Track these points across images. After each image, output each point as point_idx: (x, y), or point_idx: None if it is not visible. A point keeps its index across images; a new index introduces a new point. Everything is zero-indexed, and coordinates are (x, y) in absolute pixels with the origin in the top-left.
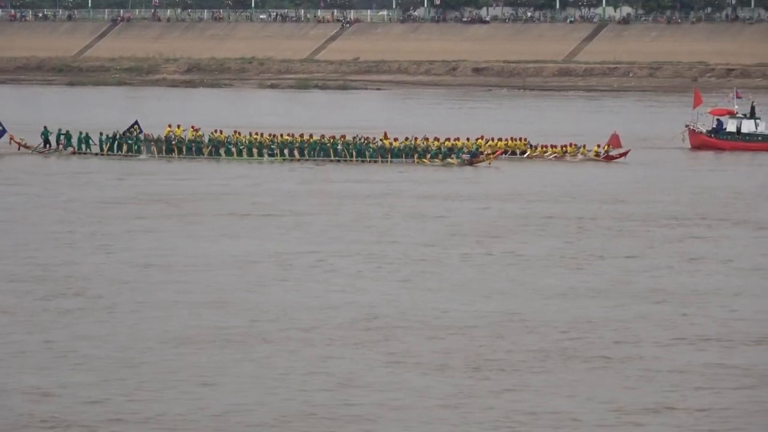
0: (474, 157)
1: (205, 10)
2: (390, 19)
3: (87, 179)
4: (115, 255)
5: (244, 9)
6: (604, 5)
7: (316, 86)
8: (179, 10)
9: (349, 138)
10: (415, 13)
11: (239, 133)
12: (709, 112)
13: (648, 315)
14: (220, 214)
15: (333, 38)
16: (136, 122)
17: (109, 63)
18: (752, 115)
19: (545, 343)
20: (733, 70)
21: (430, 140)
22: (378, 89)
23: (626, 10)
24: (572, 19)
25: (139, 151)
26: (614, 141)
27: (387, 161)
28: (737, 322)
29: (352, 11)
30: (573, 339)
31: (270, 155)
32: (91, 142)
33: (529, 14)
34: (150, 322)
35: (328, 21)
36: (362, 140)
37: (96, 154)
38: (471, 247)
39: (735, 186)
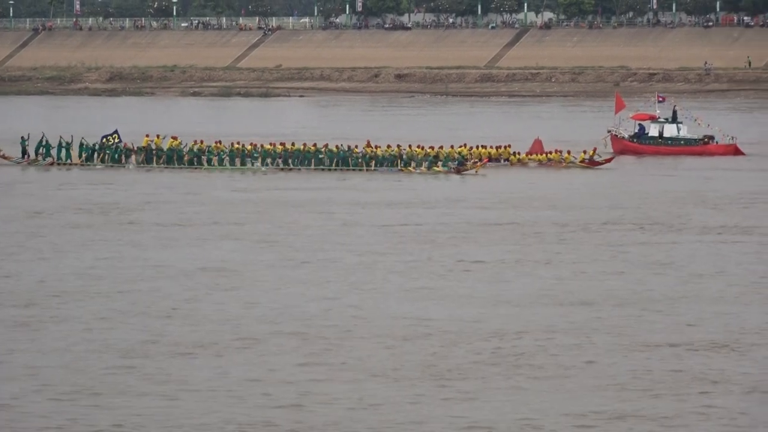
0: (461, 165)
1: (127, 19)
2: (312, 26)
3: (26, 189)
4: (45, 265)
5: (166, 17)
6: (525, 11)
7: (239, 94)
8: (101, 19)
9: (332, 146)
10: (337, 20)
11: (220, 143)
12: (631, 117)
13: (601, 321)
14: (160, 223)
15: (255, 46)
16: (116, 131)
17: (31, 72)
18: (674, 119)
19: (500, 350)
20: (655, 74)
21: (413, 148)
22: (301, 96)
23: (548, 15)
24: (494, 24)
25: (119, 161)
26: (537, 146)
27: (371, 169)
28: (692, 328)
29: (273, 19)
30: (526, 345)
31: (252, 164)
32: (71, 152)
33: (450, 20)
34: (96, 333)
35: (250, 28)
36: (346, 149)
37: (76, 164)
38: (420, 254)
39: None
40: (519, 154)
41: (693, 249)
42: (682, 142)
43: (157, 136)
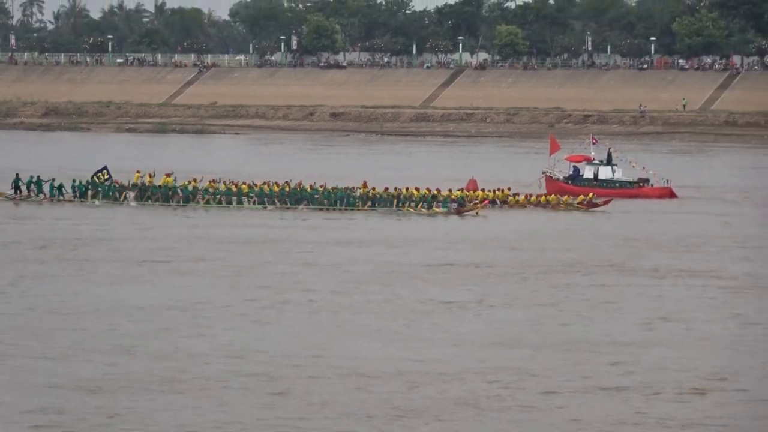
0: (461, 206)
1: (62, 54)
2: (247, 63)
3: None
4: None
5: (101, 53)
6: (460, 51)
7: (174, 130)
8: (36, 54)
9: (328, 187)
10: (272, 58)
11: (214, 182)
12: (566, 159)
13: (560, 363)
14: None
15: (190, 83)
16: (105, 168)
17: None
18: (609, 161)
19: (464, 391)
20: (590, 116)
21: (410, 190)
22: (236, 134)
23: (483, 56)
24: (429, 64)
25: (113, 198)
26: (472, 186)
27: (370, 209)
28: (661, 372)
29: (209, 56)
30: (493, 387)
31: (249, 203)
32: (63, 189)
33: (386, 60)
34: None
35: (185, 65)
36: (344, 189)
37: (69, 200)
38: (380, 293)
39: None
40: (518, 195)
41: (656, 291)
42: (617, 184)
43: (149, 175)
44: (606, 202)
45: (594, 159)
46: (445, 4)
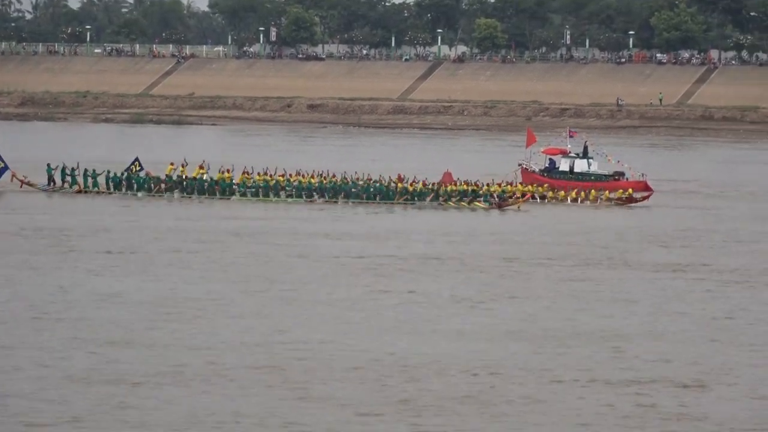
0: (502, 200)
1: (40, 44)
2: (225, 54)
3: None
4: None
5: (79, 43)
6: (439, 44)
7: (151, 121)
8: (14, 43)
9: (368, 180)
10: (251, 50)
11: (248, 173)
12: (542, 151)
13: (553, 356)
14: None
15: (168, 73)
16: (137, 159)
17: None
18: (585, 154)
19: (461, 385)
20: (567, 109)
21: (450, 184)
22: (213, 125)
23: (461, 49)
24: (407, 57)
25: (148, 190)
26: (447, 178)
27: (410, 202)
28: (660, 364)
29: (187, 47)
30: (487, 381)
31: (288, 196)
32: (97, 179)
33: (364, 52)
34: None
35: (164, 56)
36: (384, 182)
37: (103, 192)
38: (373, 287)
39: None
40: (558, 191)
41: (644, 285)
42: (592, 177)
43: (182, 165)
44: (645, 197)
45: (570, 152)
46: None
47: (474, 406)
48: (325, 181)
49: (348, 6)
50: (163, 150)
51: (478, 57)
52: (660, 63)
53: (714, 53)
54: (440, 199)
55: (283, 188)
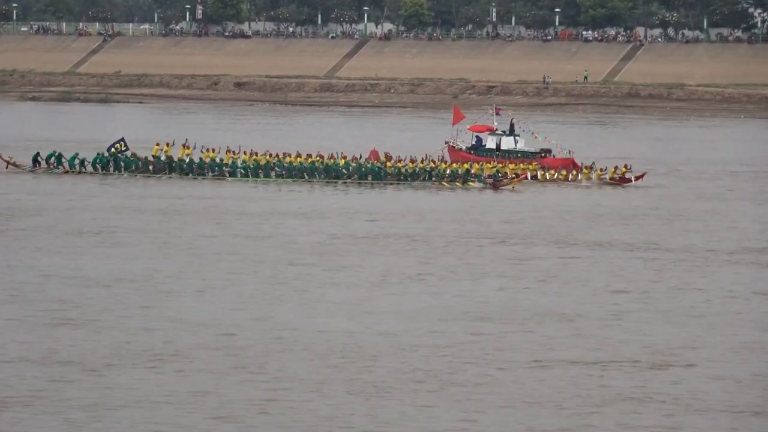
0: (497, 180)
1: None
2: (152, 32)
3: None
4: None
5: (5, 21)
6: (365, 21)
7: (78, 99)
8: None
9: (360, 160)
10: (177, 27)
11: (234, 153)
12: (468, 129)
13: (505, 337)
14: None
15: (95, 51)
16: (122, 139)
17: None
18: (511, 132)
19: (417, 365)
20: (493, 87)
21: (438, 163)
22: (140, 103)
23: (388, 26)
24: (334, 35)
25: (137, 170)
26: (374, 155)
27: (403, 183)
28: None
29: (114, 24)
30: (443, 362)
31: (278, 176)
32: (86, 162)
33: (291, 29)
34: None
35: (90, 34)
36: (372, 162)
37: (91, 173)
38: (327, 266)
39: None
40: (550, 171)
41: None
42: (519, 154)
43: (167, 144)
44: (639, 177)
45: (496, 129)
46: None
47: (431, 385)
48: (317, 162)
49: None
50: (93, 129)
51: (405, 35)
52: (586, 40)
53: (640, 31)
54: (433, 179)
55: (273, 168)
